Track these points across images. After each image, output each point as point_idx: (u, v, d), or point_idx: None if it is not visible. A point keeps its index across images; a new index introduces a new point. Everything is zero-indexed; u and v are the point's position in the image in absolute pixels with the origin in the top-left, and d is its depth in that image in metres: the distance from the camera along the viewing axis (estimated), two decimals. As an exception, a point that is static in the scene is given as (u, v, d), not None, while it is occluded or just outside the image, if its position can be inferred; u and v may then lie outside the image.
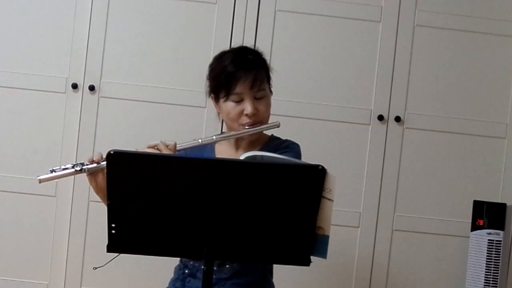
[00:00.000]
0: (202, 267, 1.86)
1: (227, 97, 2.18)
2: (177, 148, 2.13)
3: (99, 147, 2.99)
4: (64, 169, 2.07)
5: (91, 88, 3.04)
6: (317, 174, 1.81)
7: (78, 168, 2.06)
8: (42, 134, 3.05)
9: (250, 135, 2.21)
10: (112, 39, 3.07)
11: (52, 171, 2.08)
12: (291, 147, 2.25)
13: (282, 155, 1.95)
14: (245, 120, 2.18)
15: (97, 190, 2.10)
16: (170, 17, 3.09)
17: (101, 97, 3.06)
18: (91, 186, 2.11)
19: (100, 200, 2.10)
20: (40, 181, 2.08)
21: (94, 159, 2.07)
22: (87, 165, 2.07)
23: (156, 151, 2.09)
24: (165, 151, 2.09)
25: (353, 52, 3.11)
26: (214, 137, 2.21)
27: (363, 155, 3.09)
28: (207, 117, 2.99)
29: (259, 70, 2.19)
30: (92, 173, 2.08)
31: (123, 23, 3.08)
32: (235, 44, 2.87)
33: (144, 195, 1.82)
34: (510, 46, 3.13)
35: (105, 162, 2.03)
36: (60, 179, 2.97)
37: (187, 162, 1.85)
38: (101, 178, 2.07)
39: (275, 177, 1.82)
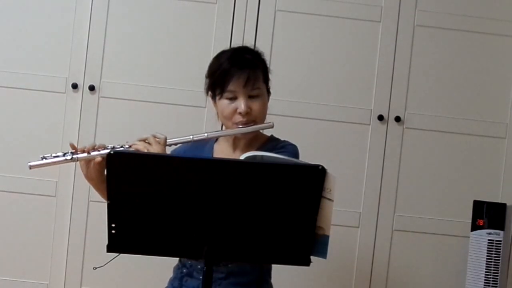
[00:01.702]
0: (199, 266, 1.86)
1: (221, 94, 2.19)
2: (168, 142, 2.15)
3: (99, 147, 2.99)
4: (55, 156, 2.09)
5: (91, 88, 3.04)
6: (317, 174, 1.81)
7: (68, 157, 2.08)
8: (42, 134, 3.05)
9: (247, 134, 2.21)
10: (112, 39, 3.07)
11: (43, 158, 2.09)
12: (286, 148, 2.25)
13: (278, 154, 1.95)
14: (238, 118, 2.19)
15: (88, 178, 2.14)
16: (170, 17, 3.09)
17: (101, 97, 3.06)
18: (81, 172, 2.13)
19: (100, 199, 2.10)
20: (31, 167, 2.10)
21: (85, 149, 2.10)
22: (78, 154, 2.08)
23: (146, 144, 2.11)
24: (155, 145, 2.12)
25: (353, 52, 3.11)
26: (206, 134, 2.22)
27: (363, 155, 3.09)
28: (207, 117, 3.00)
29: (254, 69, 2.19)
30: (84, 161, 2.10)
31: (123, 23, 3.08)
32: (235, 44, 2.87)
33: (144, 195, 1.82)
34: (510, 46, 3.13)
35: (96, 152, 2.07)
36: (60, 179, 3.01)
37: (187, 162, 1.85)
38: (92, 167, 2.10)
39: (275, 177, 1.82)
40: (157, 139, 2.13)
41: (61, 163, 2.12)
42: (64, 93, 3.06)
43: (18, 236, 3.06)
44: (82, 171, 2.13)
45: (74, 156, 2.09)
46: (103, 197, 2.05)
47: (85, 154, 2.09)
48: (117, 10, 3.07)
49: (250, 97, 2.18)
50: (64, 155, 2.09)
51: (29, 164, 2.10)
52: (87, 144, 2.12)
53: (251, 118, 2.19)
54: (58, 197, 3.05)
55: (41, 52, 3.06)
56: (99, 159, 2.08)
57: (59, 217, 3.05)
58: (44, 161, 2.10)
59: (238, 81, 2.16)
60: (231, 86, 2.16)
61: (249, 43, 2.90)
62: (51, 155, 2.10)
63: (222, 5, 3.07)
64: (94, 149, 2.10)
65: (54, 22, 3.07)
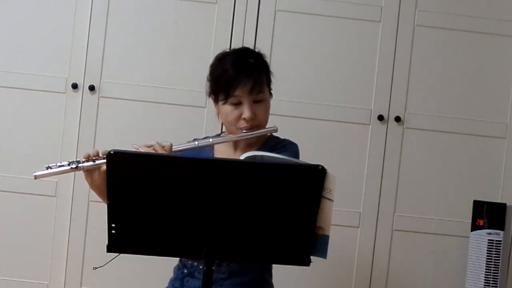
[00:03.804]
0: (201, 267, 1.86)
1: (225, 100, 2.18)
2: (173, 149, 2.14)
3: (99, 147, 2.96)
4: (60, 166, 2.08)
5: (91, 88, 3.04)
6: (317, 174, 1.81)
7: (73, 166, 2.06)
8: (42, 134, 3.05)
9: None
10: (112, 39, 3.07)
11: (48, 168, 2.08)
12: (288, 147, 2.25)
13: (279, 154, 1.95)
14: (242, 124, 2.19)
15: (93, 187, 2.11)
16: (170, 17, 3.09)
17: (101, 97, 3.06)
18: (86, 182, 2.11)
19: (100, 200, 2.10)
20: (36, 177, 2.08)
21: (90, 155, 2.07)
22: (83, 162, 2.07)
23: (152, 152, 2.09)
24: (161, 152, 2.09)
25: (353, 52, 3.11)
26: (210, 139, 2.21)
27: (363, 155, 3.09)
28: (207, 117, 3.00)
29: (259, 75, 2.19)
30: (88, 170, 2.08)
31: (123, 23, 3.08)
32: (235, 44, 2.88)
33: (144, 195, 1.82)
34: (510, 46, 3.13)
35: (101, 161, 2.05)
36: (60, 179, 3.01)
37: (187, 162, 1.85)
38: (97, 176, 2.08)
39: (275, 177, 1.82)
40: (163, 146, 2.12)
41: (66, 172, 2.09)
42: (64, 93, 3.06)
43: (18, 236, 3.06)
44: (86, 181, 2.10)
45: (79, 165, 2.06)
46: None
47: (90, 163, 2.07)
48: (117, 10, 3.07)
49: (255, 102, 2.18)
50: (69, 164, 2.07)
51: (34, 174, 2.08)
52: (90, 151, 2.09)
53: (255, 123, 2.19)
54: (58, 197, 3.05)
55: (41, 52, 3.06)
56: (105, 167, 2.02)
57: (59, 217, 3.05)
58: (49, 170, 2.07)
59: (244, 88, 2.16)
60: (236, 93, 2.16)
61: (249, 43, 2.92)
62: (55, 165, 2.08)
63: (222, 5, 3.07)
64: (98, 156, 2.08)
65: (54, 22, 3.07)
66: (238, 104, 2.18)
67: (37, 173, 2.08)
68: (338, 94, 3.10)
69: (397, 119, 3.08)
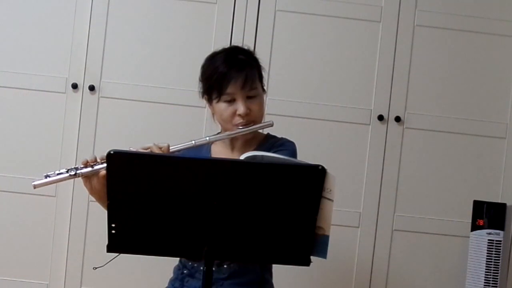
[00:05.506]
0: (201, 267, 1.86)
1: (219, 98, 2.18)
2: (171, 150, 2.13)
3: (99, 147, 2.99)
4: (58, 174, 2.07)
5: (91, 88, 3.04)
6: (317, 174, 1.81)
7: (72, 173, 2.06)
8: (42, 134, 3.05)
9: (244, 134, 2.21)
10: (112, 39, 3.07)
11: (46, 177, 2.07)
12: (285, 145, 2.25)
13: (277, 153, 1.95)
14: (238, 120, 2.18)
15: (92, 192, 2.11)
16: (170, 17, 3.09)
17: (101, 97, 3.06)
18: (85, 188, 2.11)
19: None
20: (35, 186, 2.07)
21: (88, 161, 2.07)
22: (81, 169, 2.06)
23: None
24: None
25: (353, 52, 3.11)
26: (207, 138, 2.21)
27: (363, 155, 3.09)
28: (207, 117, 2.99)
29: (250, 70, 2.19)
30: (87, 176, 2.08)
31: (123, 23, 3.08)
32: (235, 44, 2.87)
33: (144, 195, 1.82)
34: (510, 46, 3.13)
35: (99, 166, 2.05)
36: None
37: (187, 162, 1.85)
38: (96, 181, 2.07)
39: (275, 177, 1.82)
40: (160, 148, 2.11)
41: (65, 180, 2.08)
42: (64, 93, 3.06)
43: (18, 236, 3.06)
44: (86, 187, 2.10)
45: (78, 172, 2.06)
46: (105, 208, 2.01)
47: (88, 169, 2.07)
48: (117, 10, 3.07)
49: (248, 97, 2.18)
50: (67, 171, 2.06)
51: (33, 183, 2.07)
52: (88, 157, 2.08)
53: (251, 118, 2.19)
54: (58, 197, 3.05)
55: (41, 52, 3.06)
56: (103, 172, 2.04)
57: (59, 217, 3.05)
58: (48, 179, 2.06)
59: (236, 83, 2.16)
60: (229, 89, 2.16)
61: (249, 43, 2.92)
62: (54, 173, 2.07)
63: (222, 5, 3.08)
64: (96, 162, 2.07)
65: (54, 22, 3.07)
66: (232, 101, 2.18)
67: (36, 182, 2.07)
68: (338, 94, 3.10)
69: (397, 119, 3.08)
